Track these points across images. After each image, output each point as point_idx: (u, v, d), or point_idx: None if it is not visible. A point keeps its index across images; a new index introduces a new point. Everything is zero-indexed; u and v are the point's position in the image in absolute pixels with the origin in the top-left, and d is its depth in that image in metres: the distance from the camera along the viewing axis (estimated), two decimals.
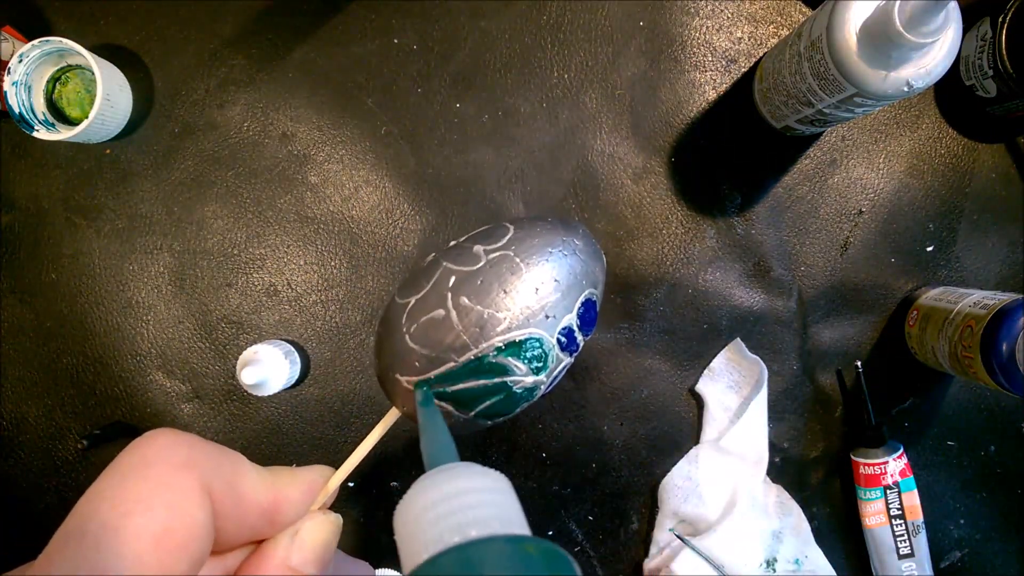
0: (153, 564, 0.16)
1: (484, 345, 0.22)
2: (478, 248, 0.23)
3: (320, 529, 0.21)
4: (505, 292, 0.22)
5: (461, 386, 0.22)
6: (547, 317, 0.22)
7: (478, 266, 0.23)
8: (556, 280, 0.23)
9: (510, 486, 0.17)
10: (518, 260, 0.23)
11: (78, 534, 0.16)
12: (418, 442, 0.24)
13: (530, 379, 0.22)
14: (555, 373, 0.23)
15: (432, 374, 0.22)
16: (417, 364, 0.22)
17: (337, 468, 0.23)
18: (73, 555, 0.15)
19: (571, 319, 0.23)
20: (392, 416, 0.24)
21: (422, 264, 0.24)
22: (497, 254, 0.23)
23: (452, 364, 0.22)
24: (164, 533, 0.16)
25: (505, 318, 0.22)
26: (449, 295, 0.22)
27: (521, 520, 0.16)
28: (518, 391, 0.22)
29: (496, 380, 0.22)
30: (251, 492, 0.20)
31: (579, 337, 0.24)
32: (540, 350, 0.22)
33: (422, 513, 0.16)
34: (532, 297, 0.22)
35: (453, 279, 0.22)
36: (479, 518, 0.16)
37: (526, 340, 0.22)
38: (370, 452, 0.24)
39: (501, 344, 0.22)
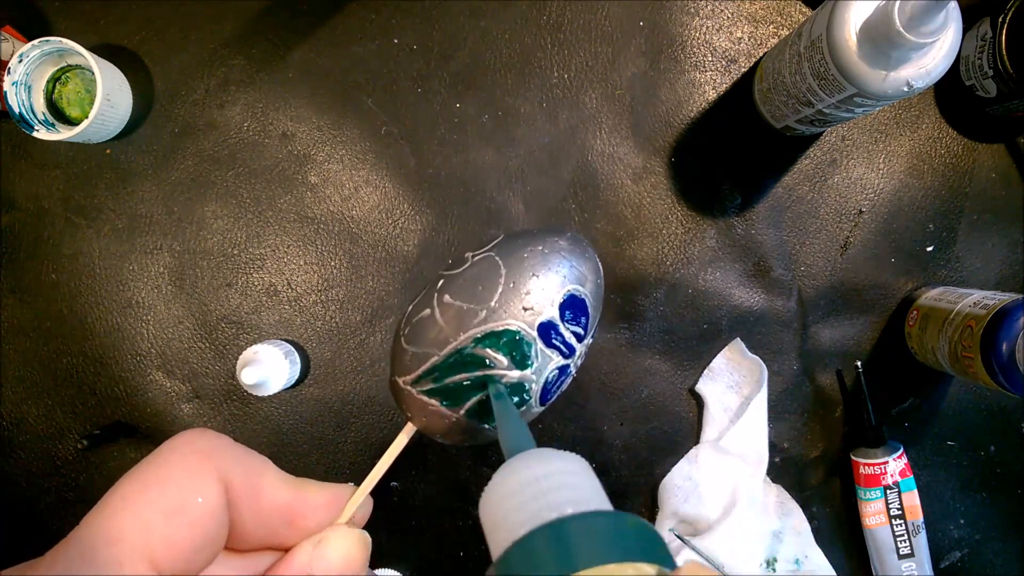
0: (161, 537, 0.17)
1: (463, 337, 0.22)
2: (468, 254, 0.24)
3: (344, 541, 0.21)
4: (483, 288, 0.23)
5: (447, 381, 0.22)
6: (524, 310, 0.23)
7: (463, 268, 0.24)
8: (535, 276, 0.23)
9: (589, 467, 0.18)
10: (498, 259, 0.23)
11: (99, 505, 0.17)
12: (416, 442, 0.24)
13: (515, 373, 0.22)
14: (547, 373, 0.23)
15: (420, 370, 0.23)
16: (408, 363, 0.23)
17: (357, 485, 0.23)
18: (90, 523, 0.16)
19: (552, 313, 0.23)
20: (410, 429, 0.24)
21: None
22: (481, 255, 0.24)
23: (435, 358, 0.22)
24: (174, 509, 0.17)
25: (482, 311, 0.22)
26: (435, 295, 0.23)
27: (606, 499, 0.17)
28: (503, 386, 0.23)
29: (478, 373, 0.22)
30: (270, 489, 0.20)
31: (566, 333, 0.23)
32: (518, 341, 0.22)
33: (513, 495, 0.17)
34: (509, 292, 0.23)
35: (441, 281, 0.24)
36: (572, 497, 0.16)
37: (503, 331, 0.22)
38: (371, 453, 0.24)
39: (479, 334, 0.22)
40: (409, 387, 0.23)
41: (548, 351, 0.23)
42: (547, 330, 0.23)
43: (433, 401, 0.23)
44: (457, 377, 0.22)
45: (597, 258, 0.26)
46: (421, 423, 0.24)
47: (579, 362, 0.25)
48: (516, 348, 0.22)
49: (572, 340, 0.24)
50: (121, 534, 0.16)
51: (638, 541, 0.14)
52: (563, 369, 0.24)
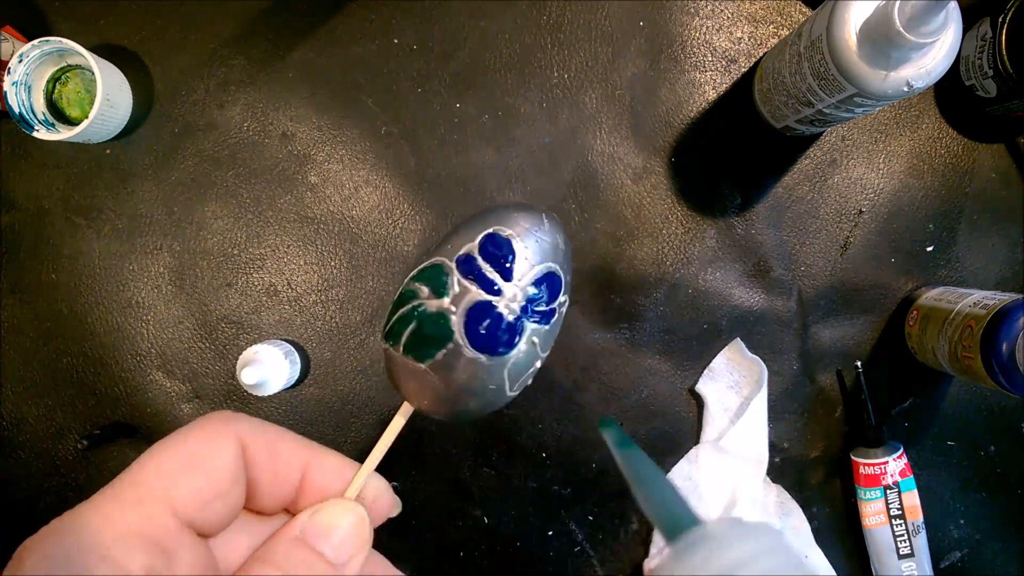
0: (179, 483, 0.19)
1: (406, 280, 0.26)
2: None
3: (341, 513, 0.22)
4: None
5: (392, 320, 0.25)
6: (448, 246, 0.26)
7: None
8: (465, 223, 0.27)
9: (783, 537, 0.15)
10: (451, 225, 0.28)
11: (130, 465, 0.19)
12: (416, 443, 0.25)
13: (433, 303, 0.24)
14: (466, 304, 0.24)
15: (386, 324, 0.26)
16: (384, 324, 0.26)
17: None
18: (121, 476, 0.19)
19: (471, 247, 0.25)
20: (407, 410, 0.26)
21: None
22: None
23: (391, 308, 0.26)
24: (192, 460, 0.19)
25: (423, 256, 0.26)
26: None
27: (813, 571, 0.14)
28: (425, 313, 0.24)
29: (408, 306, 0.25)
30: (287, 451, 0.22)
31: (484, 267, 0.25)
32: (438, 271, 0.25)
33: None
34: (444, 239, 0.26)
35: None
36: None
37: (428, 266, 0.25)
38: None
39: (414, 273, 0.26)
40: (384, 344, 0.26)
41: (465, 282, 0.25)
42: (465, 262, 0.25)
43: (395, 352, 0.25)
44: (397, 314, 0.25)
45: (545, 216, 0.27)
46: (407, 390, 0.26)
47: (514, 306, 0.26)
48: (435, 277, 0.25)
49: (495, 277, 0.25)
50: (144, 478, 0.19)
51: None
52: (487, 307, 0.25)
